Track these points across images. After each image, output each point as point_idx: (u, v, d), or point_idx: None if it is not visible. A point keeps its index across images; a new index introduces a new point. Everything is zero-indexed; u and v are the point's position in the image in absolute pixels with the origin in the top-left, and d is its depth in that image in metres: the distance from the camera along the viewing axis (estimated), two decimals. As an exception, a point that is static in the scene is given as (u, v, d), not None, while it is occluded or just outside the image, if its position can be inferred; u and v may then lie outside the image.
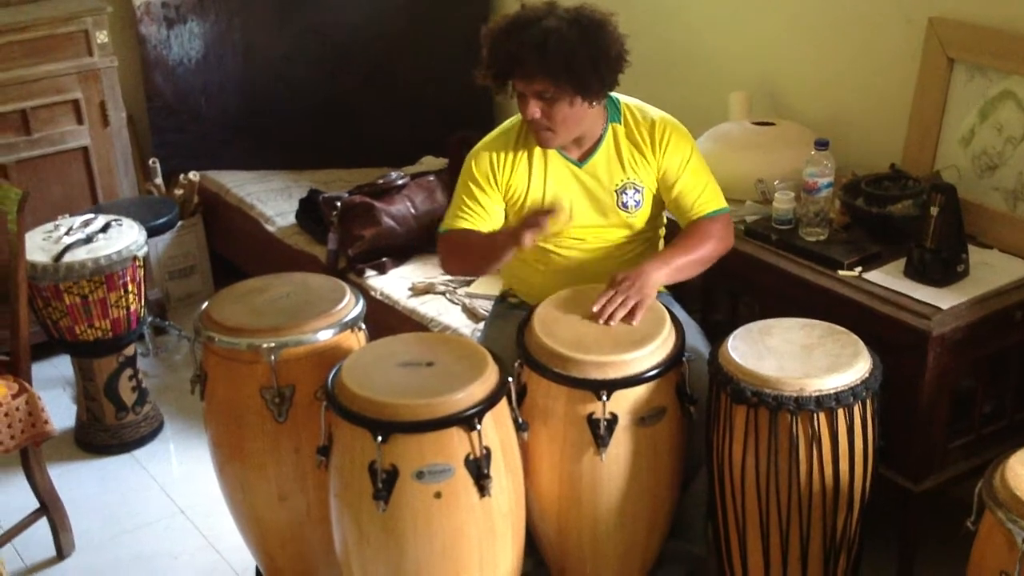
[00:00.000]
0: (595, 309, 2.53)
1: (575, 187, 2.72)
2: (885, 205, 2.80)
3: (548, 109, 2.58)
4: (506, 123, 2.78)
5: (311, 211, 3.99)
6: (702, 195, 2.72)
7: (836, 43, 3.24)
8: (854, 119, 3.23)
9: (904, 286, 2.61)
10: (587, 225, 2.73)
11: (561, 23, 2.54)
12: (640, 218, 2.74)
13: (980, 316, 2.53)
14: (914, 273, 2.63)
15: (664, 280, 2.65)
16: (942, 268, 2.59)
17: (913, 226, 2.66)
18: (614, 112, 2.73)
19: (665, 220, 2.87)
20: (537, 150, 2.71)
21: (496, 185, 2.71)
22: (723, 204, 2.76)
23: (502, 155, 2.71)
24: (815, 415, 2.28)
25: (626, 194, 2.71)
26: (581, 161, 2.72)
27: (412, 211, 3.80)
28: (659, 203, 2.78)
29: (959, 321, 2.51)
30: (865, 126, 3.20)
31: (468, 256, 2.75)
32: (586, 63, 2.53)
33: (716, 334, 2.61)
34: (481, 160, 2.72)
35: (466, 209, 2.71)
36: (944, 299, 2.54)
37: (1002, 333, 2.58)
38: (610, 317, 2.51)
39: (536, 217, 2.56)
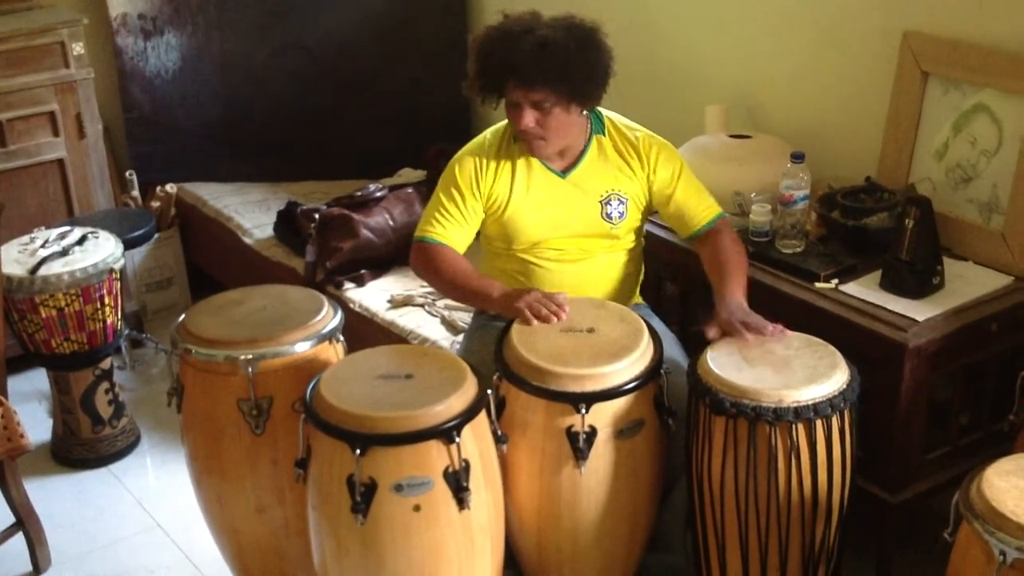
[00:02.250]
0: (751, 341, 2.46)
1: (558, 198, 2.72)
2: (861, 218, 2.82)
3: (543, 118, 2.59)
4: (489, 131, 2.78)
5: (289, 223, 3.98)
6: (699, 204, 2.76)
7: (812, 57, 3.26)
8: (830, 132, 3.24)
9: (880, 298, 2.62)
10: (569, 236, 2.74)
11: (557, 31, 2.55)
12: (623, 229, 2.75)
13: (956, 328, 2.55)
14: (890, 285, 2.65)
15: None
16: (918, 280, 2.61)
17: (889, 238, 2.68)
18: (597, 124, 2.74)
19: (644, 231, 2.88)
20: (521, 160, 2.72)
21: (479, 193, 2.71)
22: (719, 208, 2.79)
23: (487, 163, 2.71)
24: (793, 426, 2.29)
25: (610, 205, 2.72)
26: (564, 172, 2.72)
27: (391, 223, 3.79)
28: (642, 214, 2.79)
29: (935, 333, 2.52)
30: (841, 139, 3.22)
31: (447, 280, 2.71)
32: (584, 71, 2.56)
33: (694, 345, 2.61)
34: (465, 166, 2.72)
35: (444, 214, 2.71)
36: (920, 311, 2.56)
37: (978, 344, 2.60)
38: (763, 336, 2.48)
39: (545, 303, 2.52)
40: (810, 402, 2.28)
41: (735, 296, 2.57)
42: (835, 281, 2.71)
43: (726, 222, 2.81)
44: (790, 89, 3.36)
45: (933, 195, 2.78)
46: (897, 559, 2.70)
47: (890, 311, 2.57)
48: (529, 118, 2.58)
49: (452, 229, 2.72)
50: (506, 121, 2.76)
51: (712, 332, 2.49)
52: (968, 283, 2.68)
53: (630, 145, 2.73)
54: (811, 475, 2.34)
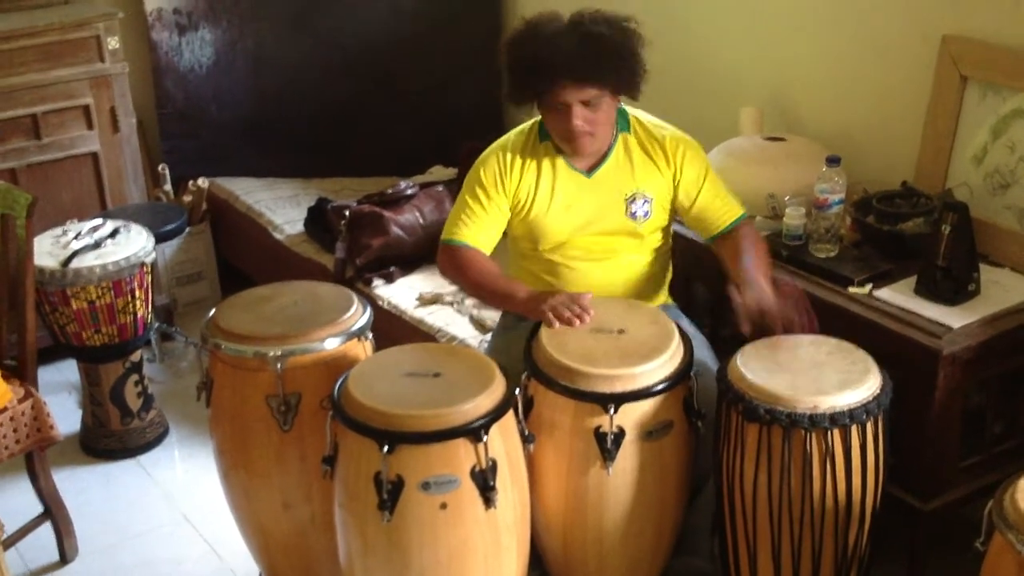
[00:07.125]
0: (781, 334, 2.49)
1: (583, 197, 2.71)
2: (896, 223, 2.79)
3: (592, 114, 2.57)
4: (514, 131, 2.77)
5: (319, 219, 3.99)
6: (723, 206, 2.73)
7: (849, 59, 3.24)
8: (866, 136, 3.22)
9: (915, 304, 2.60)
10: (594, 235, 2.72)
11: (597, 25, 2.55)
12: (649, 228, 2.73)
13: (991, 335, 2.52)
14: (925, 291, 2.62)
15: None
16: (953, 286, 2.58)
17: (924, 244, 2.65)
18: (622, 122, 2.72)
19: (672, 231, 2.86)
20: (546, 160, 2.70)
21: (504, 191, 2.70)
22: (743, 209, 2.76)
23: (511, 162, 2.70)
24: (829, 432, 2.27)
25: (635, 203, 2.70)
26: (590, 171, 2.71)
27: (420, 221, 3.80)
28: (668, 213, 2.77)
29: (970, 340, 2.49)
30: (877, 143, 3.19)
31: (473, 283, 2.70)
32: (630, 61, 2.56)
33: (725, 349, 2.59)
34: (490, 165, 2.71)
35: (470, 214, 2.70)
36: (955, 318, 2.53)
37: (1013, 352, 2.57)
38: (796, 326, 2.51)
39: (569, 305, 2.51)
40: (845, 408, 2.26)
41: (758, 280, 2.53)
42: (869, 286, 2.68)
43: (749, 222, 2.78)
44: (826, 92, 3.34)
45: (970, 201, 2.75)
46: (928, 567, 2.67)
47: (925, 317, 2.54)
48: (579, 117, 2.56)
49: (478, 230, 2.70)
50: (531, 121, 2.75)
51: (745, 326, 2.47)
52: (1004, 290, 2.65)
53: (656, 143, 2.71)
54: (845, 481, 2.31)
